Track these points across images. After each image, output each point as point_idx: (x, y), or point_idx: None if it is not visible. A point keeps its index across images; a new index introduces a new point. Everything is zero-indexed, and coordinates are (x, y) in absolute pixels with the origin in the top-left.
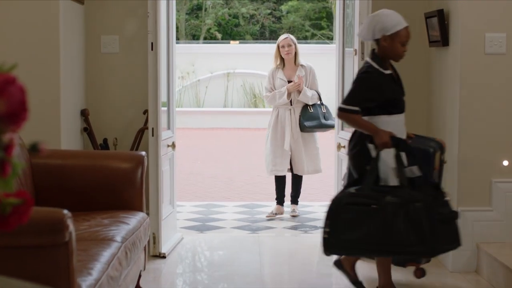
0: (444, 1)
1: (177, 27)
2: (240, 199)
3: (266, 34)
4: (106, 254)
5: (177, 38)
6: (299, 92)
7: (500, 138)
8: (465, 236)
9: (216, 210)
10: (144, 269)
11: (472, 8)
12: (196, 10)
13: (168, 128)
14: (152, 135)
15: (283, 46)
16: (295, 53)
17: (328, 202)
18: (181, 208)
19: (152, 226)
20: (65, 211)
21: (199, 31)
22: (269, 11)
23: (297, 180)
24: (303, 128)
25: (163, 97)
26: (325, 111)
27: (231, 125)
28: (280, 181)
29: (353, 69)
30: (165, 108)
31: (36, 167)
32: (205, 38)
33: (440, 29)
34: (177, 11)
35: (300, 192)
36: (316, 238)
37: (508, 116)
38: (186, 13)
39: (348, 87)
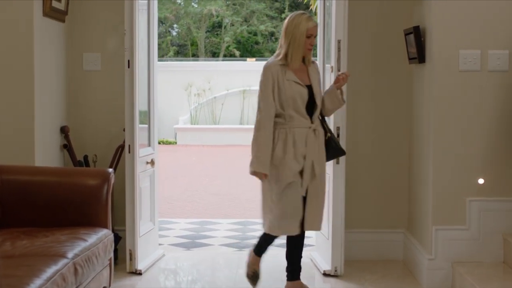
0: (421, 18)
1: (196, 45)
2: (240, 217)
3: None
4: (49, 270)
5: (197, 56)
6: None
7: (475, 156)
8: (440, 255)
9: (208, 228)
10: (110, 285)
11: (446, 25)
12: (216, 28)
13: (149, 145)
14: (129, 152)
15: (309, 36)
16: None
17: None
18: (174, 225)
19: (128, 243)
20: None
21: (219, 48)
22: None
23: (300, 240)
24: (334, 154)
25: (143, 114)
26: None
27: (247, 142)
28: (296, 238)
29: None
30: (146, 125)
31: (4, 183)
32: (224, 56)
33: (416, 45)
34: (197, 28)
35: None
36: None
37: (483, 133)
38: (207, 31)
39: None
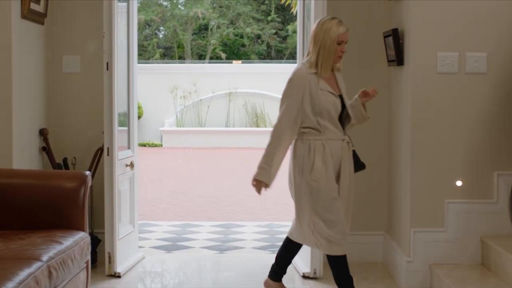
0: (400, 20)
1: (182, 47)
2: (223, 219)
3: (272, 54)
4: (22, 273)
5: (183, 58)
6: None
7: (453, 158)
8: (419, 257)
9: (191, 230)
10: None
11: (424, 27)
12: (203, 30)
13: (128, 147)
14: (108, 155)
15: (340, 43)
16: None
17: None
18: (157, 228)
19: (107, 246)
20: None
21: (205, 51)
22: (274, 31)
23: (299, 247)
24: (357, 168)
25: (122, 117)
26: None
27: (232, 145)
28: (297, 247)
29: None
30: (125, 128)
31: None
32: (211, 58)
33: (395, 48)
34: (183, 31)
35: None
36: None
37: (461, 135)
38: (193, 33)
39: None
